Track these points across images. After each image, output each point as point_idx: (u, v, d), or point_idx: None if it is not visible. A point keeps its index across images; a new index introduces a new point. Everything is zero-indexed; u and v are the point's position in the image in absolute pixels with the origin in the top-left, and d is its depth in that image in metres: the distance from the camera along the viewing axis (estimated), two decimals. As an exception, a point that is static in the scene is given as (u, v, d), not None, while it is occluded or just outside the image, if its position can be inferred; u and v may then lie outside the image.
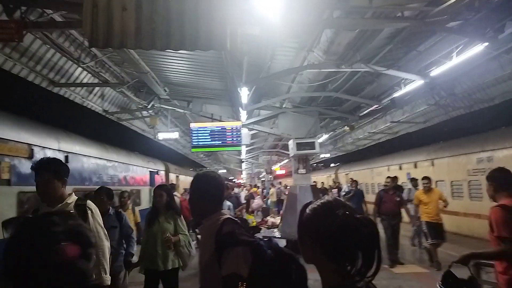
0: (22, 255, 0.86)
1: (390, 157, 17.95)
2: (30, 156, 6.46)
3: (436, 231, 7.51)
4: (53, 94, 7.88)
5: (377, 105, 9.83)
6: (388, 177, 8.88)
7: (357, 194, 12.03)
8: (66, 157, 7.67)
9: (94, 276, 0.92)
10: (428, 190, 7.88)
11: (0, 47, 5.96)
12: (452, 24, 5.26)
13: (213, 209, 2.08)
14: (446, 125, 15.50)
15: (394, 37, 6.51)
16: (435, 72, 7.13)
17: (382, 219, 8.10)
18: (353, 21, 5.01)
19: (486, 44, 5.53)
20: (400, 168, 15.81)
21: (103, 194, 4.87)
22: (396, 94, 9.07)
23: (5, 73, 6.54)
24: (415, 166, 14.69)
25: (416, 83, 7.95)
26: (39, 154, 6.75)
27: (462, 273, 2.63)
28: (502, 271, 2.86)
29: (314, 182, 18.97)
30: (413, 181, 10.25)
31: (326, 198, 1.37)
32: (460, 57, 6.39)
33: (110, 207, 4.94)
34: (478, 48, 5.96)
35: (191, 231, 7.45)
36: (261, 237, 1.95)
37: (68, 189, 7.46)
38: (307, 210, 1.33)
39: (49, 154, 7.12)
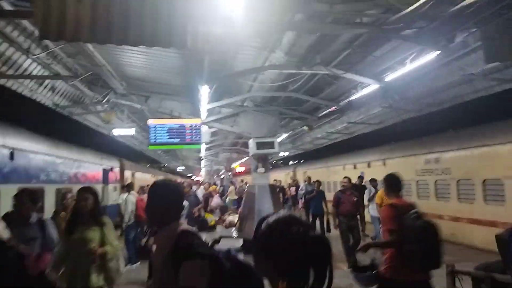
0: None
1: (346, 156, 18.55)
2: (-30, 151, 5.99)
3: None
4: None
5: (335, 107, 10.09)
6: (345, 177, 8.79)
7: (318, 194, 11.98)
8: (11, 153, 7.17)
9: None
10: None
11: None
12: (408, 32, 5.50)
13: (170, 219, 2.03)
14: (398, 127, 16.24)
15: (352, 42, 6.69)
16: (390, 77, 7.43)
17: (340, 221, 8.14)
18: (314, 25, 5.09)
19: (439, 52, 5.83)
20: (355, 167, 16.39)
21: (24, 197, 4.03)
22: (353, 97, 9.36)
23: None
24: (369, 166, 15.29)
25: (371, 86, 8.25)
26: (-20, 150, 6.27)
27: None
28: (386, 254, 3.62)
29: (275, 180, 19.22)
30: (373, 181, 10.35)
31: (282, 213, 1.37)
32: (414, 64, 6.70)
33: (34, 213, 3.99)
34: (431, 56, 6.28)
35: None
36: (219, 249, 1.92)
37: (13, 187, 7.01)
38: (263, 225, 1.32)
39: (-8, 150, 6.64)
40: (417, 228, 3.31)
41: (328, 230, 10.91)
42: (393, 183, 3.88)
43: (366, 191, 10.05)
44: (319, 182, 12.35)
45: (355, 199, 8.23)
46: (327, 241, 1.26)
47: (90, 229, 3.61)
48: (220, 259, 1.59)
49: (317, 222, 11.22)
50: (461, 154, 10.14)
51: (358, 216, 8.94)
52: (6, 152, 7.04)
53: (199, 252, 1.82)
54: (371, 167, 15.04)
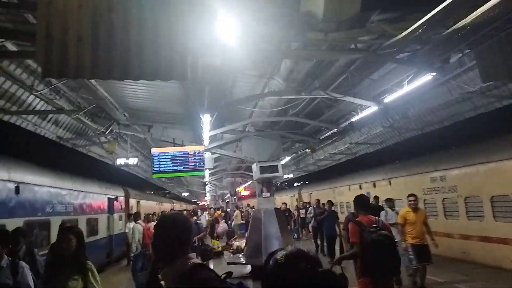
0: None
1: (350, 177, 18.43)
2: (-24, 188, 6.04)
3: (423, 253, 6.91)
4: (2, 122, 7.45)
5: (336, 129, 10.14)
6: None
7: (330, 215, 11.25)
8: (17, 188, 7.23)
9: None
10: (415, 208, 7.08)
11: None
12: (402, 56, 5.60)
13: (178, 254, 1.98)
14: (400, 145, 16.24)
15: (349, 66, 6.81)
16: (389, 98, 7.49)
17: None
18: (310, 52, 5.20)
19: (434, 74, 5.91)
20: (360, 188, 16.25)
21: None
22: (353, 119, 9.41)
23: None
24: (374, 186, 15.17)
25: (371, 108, 8.31)
26: (-15, 186, 6.33)
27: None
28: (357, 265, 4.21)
29: (284, 203, 18.99)
30: (389, 201, 9.38)
31: (289, 248, 1.37)
32: (411, 85, 6.77)
33: (4, 256, 3.57)
34: (427, 77, 6.36)
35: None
36: (230, 283, 1.94)
37: (19, 221, 7.01)
38: (271, 262, 1.32)
39: (-2, 185, 6.69)
40: (372, 240, 3.77)
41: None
42: (361, 202, 4.49)
43: (383, 213, 8.89)
44: (330, 202, 11.83)
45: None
46: (337, 277, 1.26)
47: (71, 278, 3.24)
48: None
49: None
50: (466, 171, 10.05)
51: None
52: (12, 186, 7.10)
53: (215, 287, 1.84)
54: (377, 187, 14.92)
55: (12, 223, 6.75)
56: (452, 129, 12.66)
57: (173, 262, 1.96)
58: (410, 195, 7.28)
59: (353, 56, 5.53)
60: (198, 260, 2.07)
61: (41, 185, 8.33)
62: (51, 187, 8.80)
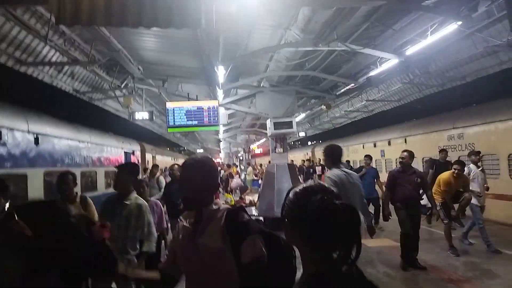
0: None
1: (365, 135, 18.29)
2: (-2, 138, 6.20)
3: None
4: (20, 73, 7.49)
5: (354, 84, 9.90)
6: (405, 150, 6.34)
7: (370, 173, 9.93)
8: (36, 139, 7.39)
9: None
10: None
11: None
12: (427, 3, 5.29)
13: (212, 198, 1.99)
14: (419, 103, 15.87)
15: (370, 15, 6.49)
16: (410, 50, 7.20)
17: (398, 208, 6.12)
18: (330, -1, 4.95)
19: (460, 22, 5.60)
20: (375, 146, 16.16)
21: None
22: (372, 73, 9.15)
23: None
24: (389, 144, 15.05)
25: (391, 61, 8.03)
26: (7, 136, 6.48)
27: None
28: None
29: (308, 160, 18.99)
30: (473, 154, 7.78)
31: (309, 182, 1.35)
32: (435, 36, 6.46)
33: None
34: (452, 27, 6.04)
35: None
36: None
37: (39, 171, 7.23)
38: (290, 194, 1.31)
39: (18, 136, 6.84)
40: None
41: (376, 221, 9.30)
42: (333, 153, 4.36)
43: (466, 169, 7.19)
44: (369, 157, 10.30)
45: (418, 180, 6.06)
46: (355, 211, 1.22)
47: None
48: (275, 234, 1.65)
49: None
50: (485, 129, 9.84)
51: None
52: (31, 137, 7.26)
53: (257, 228, 1.88)
54: (392, 145, 14.80)
55: (32, 173, 6.99)
56: (474, 86, 12.22)
57: (207, 208, 1.95)
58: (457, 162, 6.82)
59: (375, 2, 5.24)
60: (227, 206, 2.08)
61: (60, 137, 8.50)
62: (69, 139, 8.98)
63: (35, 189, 7.10)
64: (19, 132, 6.90)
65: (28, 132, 7.19)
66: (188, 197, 1.98)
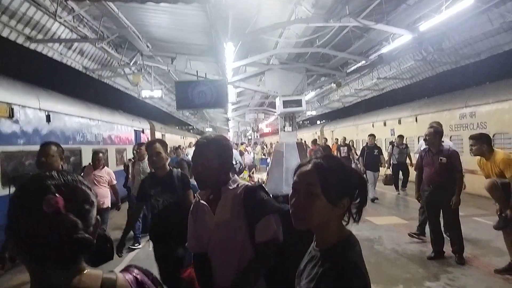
0: (14, 206, 0.89)
1: (375, 113, 18.12)
2: (10, 115, 6.28)
3: None
4: (30, 50, 7.50)
5: (365, 61, 9.73)
6: (431, 126, 5.42)
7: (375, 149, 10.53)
8: (48, 116, 7.48)
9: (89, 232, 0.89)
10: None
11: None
12: (444, -25, 5.11)
13: (228, 177, 1.99)
14: (431, 81, 15.60)
15: (384, -11, 6.32)
16: (424, 26, 7.02)
17: (423, 191, 5.57)
18: (342, -29, 4.81)
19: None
20: (385, 124, 16.03)
21: None
22: (384, 50, 8.97)
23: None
24: (399, 122, 14.91)
25: (404, 38, 7.84)
26: (19, 114, 6.57)
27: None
28: None
29: (336, 138, 18.73)
30: None
31: (319, 155, 1.40)
32: (450, 11, 6.28)
33: None
34: (468, 2, 5.86)
35: None
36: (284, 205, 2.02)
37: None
38: (333, 167, 1.28)
39: (30, 113, 6.93)
40: None
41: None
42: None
43: None
44: (401, 137, 11.21)
45: (444, 160, 5.21)
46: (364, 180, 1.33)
47: None
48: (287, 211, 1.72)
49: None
50: (498, 107, 9.66)
51: None
52: (43, 115, 7.35)
53: (274, 206, 1.91)
54: (402, 124, 14.66)
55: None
56: (488, 63, 11.93)
57: (225, 186, 1.97)
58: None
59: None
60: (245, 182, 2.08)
61: (71, 115, 8.59)
62: (80, 117, 9.08)
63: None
64: (31, 109, 6.99)
65: (40, 109, 7.28)
66: (202, 178, 1.97)
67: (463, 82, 14.92)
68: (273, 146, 21.82)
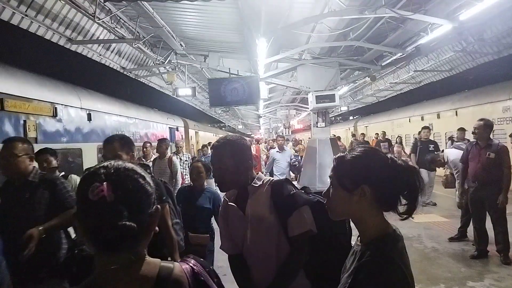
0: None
1: (412, 107, 17.54)
2: (54, 114, 6.59)
3: None
4: (71, 52, 7.84)
5: (401, 53, 9.42)
6: (481, 119, 5.15)
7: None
8: (89, 115, 7.79)
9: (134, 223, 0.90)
10: None
11: (16, 5, 5.87)
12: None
13: (249, 176, 1.99)
14: (472, 72, 14.89)
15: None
16: (465, 15, 6.69)
17: (469, 187, 5.28)
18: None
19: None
20: (422, 119, 15.48)
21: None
22: (421, 41, 8.64)
23: (24, 32, 6.50)
24: (438, 117, 14.34)
25: (443, 28, 7.51)
26: (62, 113, 6.88)
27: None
28: None
29: (376, 133, 18.22)
30: None
31: (364, 146, 1.35)
32: (493, -2, 5.94)
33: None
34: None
35: None
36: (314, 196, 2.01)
37: (93, 146, 7.63)
38: (349, 157, 1.29)
39: (72, 112, 7.25)
40: None
41: None
42: None
43: None
44: (463, 131, 8.89)
45: (491, 155, 4.92)
46: (416, 170, 1.25)
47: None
48: (322, 203, 1.71)
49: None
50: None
51: None
52: (84, 114, 7.66)
53: (304, 199, 1.92)
54: (441, 118, 14.10)
55: (87, 147, 7.41)
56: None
57: (250, 186, 1.96)
58: None
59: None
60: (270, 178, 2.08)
61: (110, 113, 8.91)
62: (119, 115, 9.39)
63: (90, 163, 7.55)
64: (73, 108, 7.30)
65: (81, 108, 7.60)
66: (220, 180, 1.97)
67: (506, 73, 14.09)
68: (303, 143, 21.62)
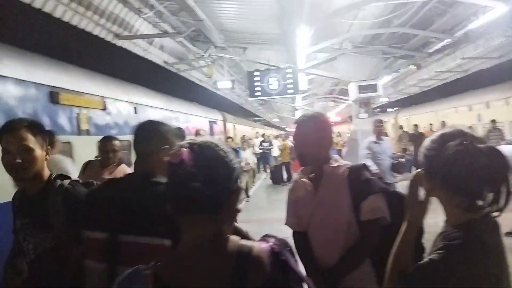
0: None
1: (458, 97, 16.71)
2: (104, 107, 6.87)
3: None
4: (117, 47, 8.13)
5: (450, 39, 8.96)
6: None
7: None
8: (135, 108, 8.07)
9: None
10: None
11: (67, 2, 6.14)
12: None
13: (329, 154, 2.01)
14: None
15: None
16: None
17: None
18: None
19: None
20: (470, 109, 14.71)
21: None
22: (471, 26, 8.18)
23: (74, 28, 6.80)
24: (488, 107, 13.57)
25: (495, 11, 7.04)
26: (111, 106, 7.16)
27: None
28: None
29: (415, 125, 17.66)
30: None
31: (448, 128, 1.27)
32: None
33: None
34: None
35: None
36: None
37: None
38: (425, 142, 1.25)
39: (120, 106, 7.53)
40: None
41: None
42: None
43: None
44: None
45: None
46: (501, 154, 1.12)
47: None
48: (398, 193, 1.66)
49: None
50: None
51: None
52: (131, 108, 7.94)
53: (380, 186, 1.91)
54: (491, 108, 13.33)
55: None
56: None
57: (327, 163, 1.96)
58: None
59: None
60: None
61: (154, 107, 9.18)
62: (162, 109, 9.66)
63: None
64: (121, 102, 7.58)
65: (129, 102, 7.88)
66: (303, 153, 2.00)
67: None
68: (342, 136, 21.22)
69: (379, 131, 6.13)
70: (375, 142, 6.07)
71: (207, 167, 0.94)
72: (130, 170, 3.40)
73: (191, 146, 0.96)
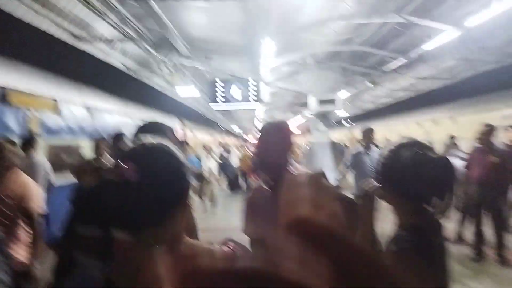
0: None
1: (408, 114, 17.66)
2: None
3: None
4: (78, 50, 7.77)
5: (405, 60, 9.46)
6: (487, 124, 5.12)
7: None
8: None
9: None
10: None
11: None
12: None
13: (289, 162, 1.96)
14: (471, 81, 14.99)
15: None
16: (471, 22, 6.72)
17: (473, 190, 5.16)
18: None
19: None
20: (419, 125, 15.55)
21: None
22: (426, 48, 8.69)
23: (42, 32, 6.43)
24: (436, 123, 14.42)
25: (448, 34, 7.53)
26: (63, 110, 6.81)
27: None
28: None
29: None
30: None
31: (407, 139, 1.34)
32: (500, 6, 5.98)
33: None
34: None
35: None
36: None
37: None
38: (384, 151, 1.33)
39: (74, 110, 7.19)
40: None
41: None
42: None
43: None
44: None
45: (494, 160, 4.87)
46: (450, 164, 1.21)
47: None
48: (351, 199, 1.68)
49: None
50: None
51: None
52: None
53: (337, 193, 1.88)
54: (439, 125, 14.20)
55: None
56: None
57: (286, 173, 1.92)
58: None
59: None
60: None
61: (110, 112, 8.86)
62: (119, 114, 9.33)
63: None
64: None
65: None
66: (266, 160, 1.96)
67: (506, 82, 14.19)
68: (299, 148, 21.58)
69: (370, 141, 5.41)
70: (365, 153, 5.36)
71: (154, 179, 0.86)
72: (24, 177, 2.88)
73: (134, 157, 0.87)
